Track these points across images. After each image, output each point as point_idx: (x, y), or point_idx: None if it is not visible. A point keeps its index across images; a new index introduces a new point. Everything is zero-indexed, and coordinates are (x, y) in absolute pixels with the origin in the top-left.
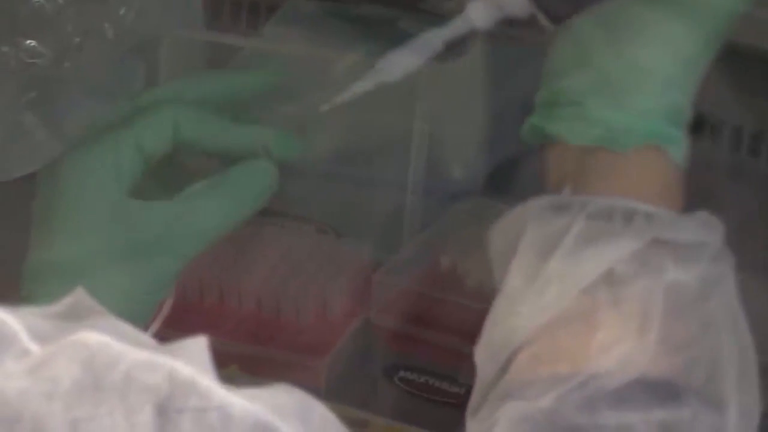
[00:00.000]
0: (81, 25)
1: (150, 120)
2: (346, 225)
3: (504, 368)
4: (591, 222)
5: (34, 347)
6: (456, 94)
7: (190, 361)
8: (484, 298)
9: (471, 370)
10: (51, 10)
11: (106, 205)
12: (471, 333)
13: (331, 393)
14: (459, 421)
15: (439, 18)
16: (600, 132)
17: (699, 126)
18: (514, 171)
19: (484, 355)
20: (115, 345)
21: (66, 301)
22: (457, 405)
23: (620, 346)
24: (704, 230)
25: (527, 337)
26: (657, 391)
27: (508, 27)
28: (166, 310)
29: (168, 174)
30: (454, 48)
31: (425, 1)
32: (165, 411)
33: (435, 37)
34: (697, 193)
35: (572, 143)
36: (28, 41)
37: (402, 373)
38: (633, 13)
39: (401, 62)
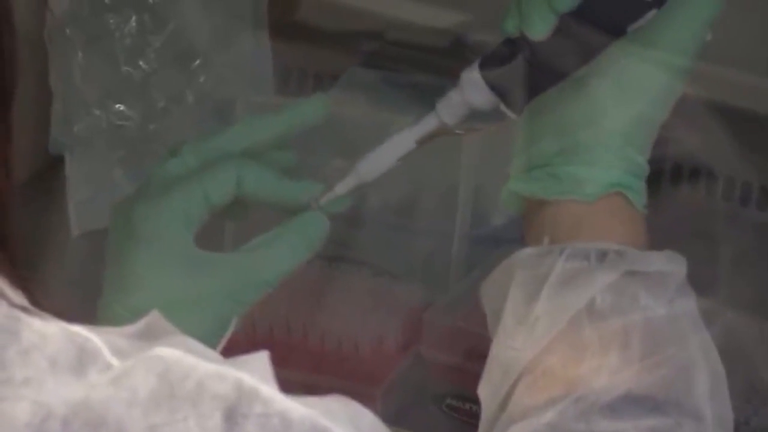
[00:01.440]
0: (165, 91)
1: (216, 173)
2: (399, 268)
3: (505, 401)
4: (570, 263)
5: (115, 361)
6: (500, 150)
7: (254, 373)
8: None
9: None
10: (138, 78)
11: (175, 253)
12: None
13: (386, 419)
14: None
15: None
16: (569, 186)
17: (695, 176)
18: None
19: (486, 392)
20: (187, 358)
21: (142, 322)
22: None
23: (606, 368)
24: (670, 263)
25: (523, 369)
26: (643, 404)
27: (474, 119)
28: (222, 344)
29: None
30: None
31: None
32: (232, 416)
33: (408, 135)
34: (694, 235)
35: (547, 198)
36: (118, 105)
37: (449, 401)
38: (600, 78)
39: (378, 163)
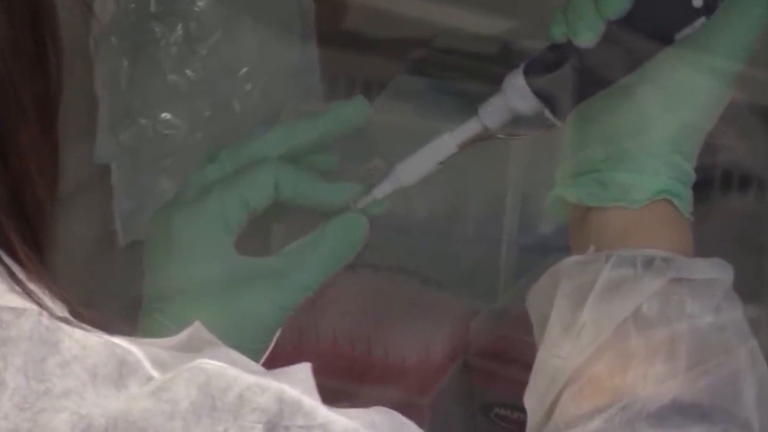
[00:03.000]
0: (211, 99)
1: (253, 177)
2: (446, 277)
3: (551, 410)
4: (616, 270)
5: (155, 373)
6: (548, 157)
7: (296, 384)
8: None
9: None
10: (184, 86)
11: (214, 259)
12: None
13: (434, 429)
14: None
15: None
16: (616, 192)
17: (745, 183)
18: None
19: (532, 400)
20: (229, 370)
21: (184, 333)
22: None
23: (652, 376)
24: (717, 270)
25: (569, 378)
26: (690, 412)
27: (517, 124)
28: (265, 354)
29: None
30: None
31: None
32: (274, 429)
33: (449, 139)
34: (741, 242)
35: (593, 205)
36: (164, 114)
37: (497, 410)
38: (648, 85)
39: (418, 166)
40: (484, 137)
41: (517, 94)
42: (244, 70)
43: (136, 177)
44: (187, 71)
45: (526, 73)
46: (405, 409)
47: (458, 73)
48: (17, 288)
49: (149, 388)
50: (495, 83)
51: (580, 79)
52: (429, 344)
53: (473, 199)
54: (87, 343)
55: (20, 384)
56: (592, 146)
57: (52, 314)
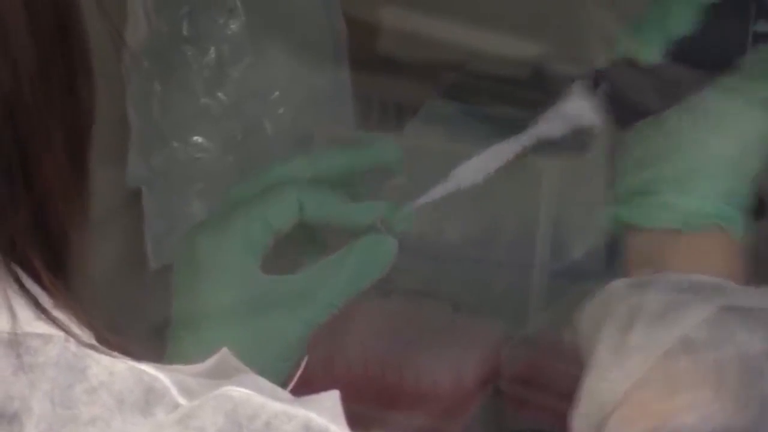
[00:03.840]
0: (243, 122)
1: (277, 198)
2: (478, 303)
3: None
4: (666, 295)
5: (182, 401)
6: (579, 181)
7: (324, 412)
8: None
9: None
10: (216, 109)
11: (240, 282)
12: None
13: None
14: None
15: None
16: (673, 217)
17: None
18: None
19: (580, 423)
20: (256, 397)
21: (211, 360)
22: None
23: (700, 404)
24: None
25: (617, 402)
26: None
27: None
28: (299, 371)
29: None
30: (578, 142)
31: (551, 103)
32: None
33: (508, 146)
34: None
35: (649, 228)
36: (196, 137)
37: None
38: (709, 108)
39: (476, 170)
40: (543, 147)
41: (579, 105)
42: (276, 93)
43: (167, 200)
44: (220, 94)
45: (590, 85)
46: None
47: (490, 98)
48: (49, 316)
49: (176, 416)
50: (527, 108)
51: (642, 95)
52: (461, 370)
53: (504, 225)
54: (114, 369)
55: (47, 410)
56: (648, 166)
57: (79, 341)
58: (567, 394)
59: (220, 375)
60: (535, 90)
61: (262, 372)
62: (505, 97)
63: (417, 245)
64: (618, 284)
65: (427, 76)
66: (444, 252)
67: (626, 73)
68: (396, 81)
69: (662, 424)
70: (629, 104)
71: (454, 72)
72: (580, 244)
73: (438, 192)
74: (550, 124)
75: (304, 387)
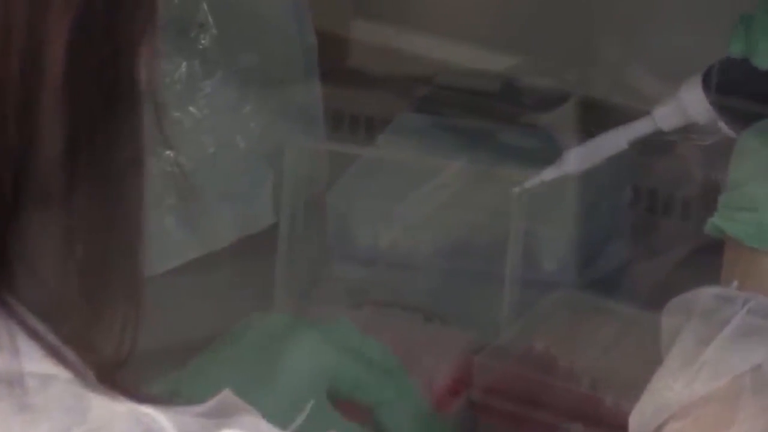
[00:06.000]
0: (215, 136)
1: None
2: (450, 313)
3: None
4: (750, 318)
5: None
6: (550, 195)
7: None
8: (574, 378)
9: None
10: (188, 124)
11: None
12: (562, 409)
13: None
14: None
15: (535, 130)
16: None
17: None
18: (605, 265)
19: (637, 419)
20: None
21: (214, 400)
22: None
23: None
24: None
25: (676, 413)
26: None
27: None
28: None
29: None
30: (548, 155)
31: (522, 115)
32: None
33: (621, 135)
34: None
35: (746, 245)
36: (168, 152)
37: None
38: None
39: (587, 156)
40: (656, 137)
41: (692, 101)
42: (248, 107)
43: None
44: (191, 108)
45: (704, 82)
46: None
47: (461, 110)
48: (52, 352)
49: None
50: (498, 120)
51: (756, 98)
52: (432, 380)
53: (476, 236)
54: (114, 411)
55: None
56: (753, 182)
57: (82, 380)
58: (537, 402)
59: (223, 415)
60: (506, 102)
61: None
62: (476, 109)
63: (389, 255)
64: (707, 291)
65: (398, 89)
66: (416, 263)
67: (739, 72)
68: (367, 94)
69: None
70: (740, 104)
71: (425, 85)
72: (551, 255)
73: (547, 175)
74: (663, 118)
75: None
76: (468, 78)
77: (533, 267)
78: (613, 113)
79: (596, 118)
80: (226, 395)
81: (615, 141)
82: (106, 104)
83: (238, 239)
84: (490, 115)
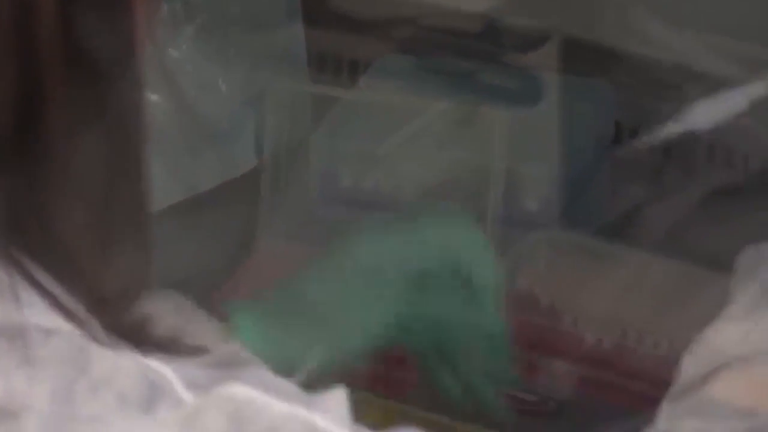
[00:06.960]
0: (197, 80)
1: None
2: None
3: (704, 379)
4: None
5: (187, 396)
6: (532, 134)
7: (329, 413)
8: (555, 315)
9: (544, 380)
10: (170, 67)
11: None
12: (545, 347)
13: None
14: (536, 428)
15: (517, 70)
16: None
17: None
18: (588, 205)
19: (692, 357)
20: (259, 399)
21: (222, 351)
22: (535, 413)
23: None
24: None
25: (731, 363)
26: None
27: None
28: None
29: None
30: (530, 95)
31: (504, 55)
32: None
33: (742, 93)
34: None
35: None
36: (150, 95)
37: None
38: None
39: (708, 113)
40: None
41: None
42: (230, 51)
43: None
44: (173, 52)
45: None
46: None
47: (443, 51)
48: (56, 305)
49: (178, 417)
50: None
51: None
52: None
53: (458, 176)
54: (118, 365)
55: (46, 408)
56: None
57: (87, 334)
58: (519, 340)
59: (230, 365)
60: (488, 43)
61: None
62: (458, 50)
63: (372, 196)
64: None
65: (381, 30)
66: (399, 204)
67: None
68: (350, 36)
69: (761, 406)
70: None
71: (407, 26)
72: (534, 196)
73: (669, 130)
74: None
75: None
76: (450, 18)
77: (516, 206)
78: (596, 53)
79: (579, 58)
80: (234, 347)
81: (736, 99)
82: (105, 42)
83: (222, 183)
84: (472, 56)
